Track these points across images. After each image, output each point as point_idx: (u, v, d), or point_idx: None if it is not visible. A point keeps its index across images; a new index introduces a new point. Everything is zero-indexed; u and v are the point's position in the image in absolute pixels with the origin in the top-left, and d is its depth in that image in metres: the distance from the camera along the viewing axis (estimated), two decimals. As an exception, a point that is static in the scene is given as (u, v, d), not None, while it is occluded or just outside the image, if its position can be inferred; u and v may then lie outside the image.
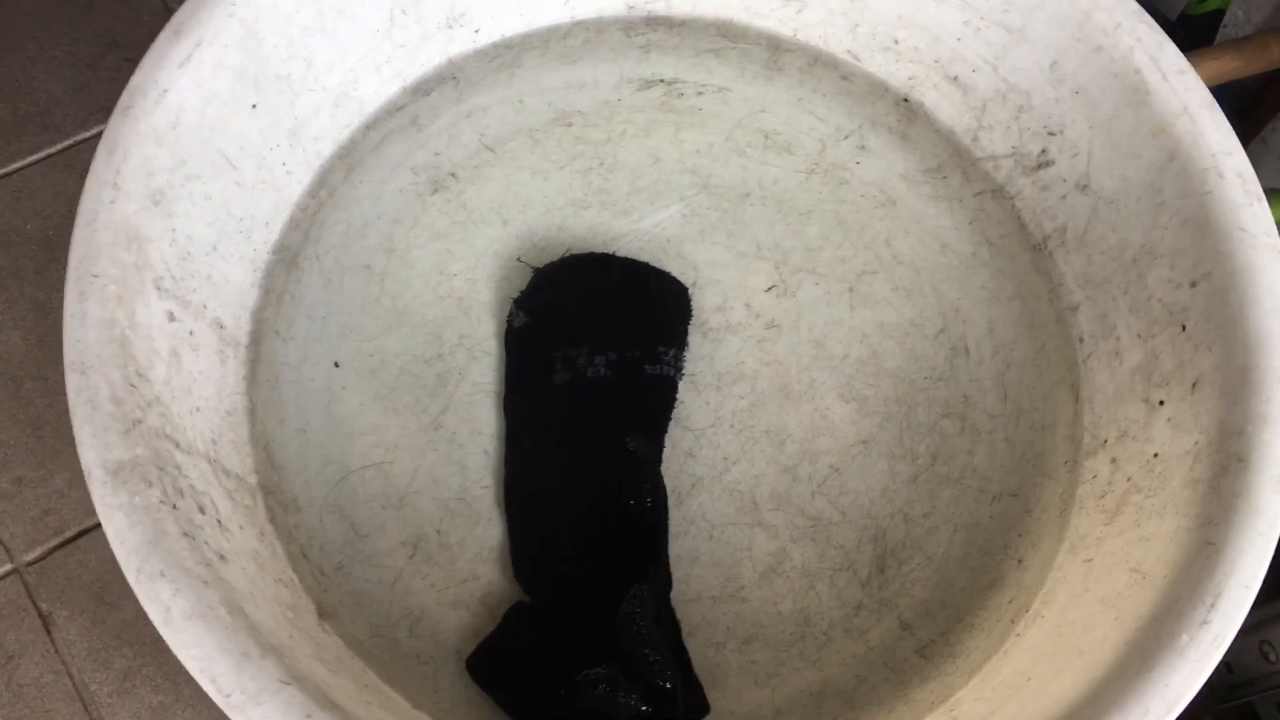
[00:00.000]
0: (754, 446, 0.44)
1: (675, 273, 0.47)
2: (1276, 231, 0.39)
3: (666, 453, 0.44)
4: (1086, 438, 0.44)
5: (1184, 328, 0.40)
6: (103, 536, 0.37)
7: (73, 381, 0.34)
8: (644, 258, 0.47)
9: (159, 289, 0.38)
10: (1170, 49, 0.42)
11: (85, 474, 0.33)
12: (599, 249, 0.47)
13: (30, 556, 0.58)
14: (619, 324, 0.45)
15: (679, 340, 0.46)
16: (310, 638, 0.37)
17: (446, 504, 0.43)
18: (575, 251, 0.47)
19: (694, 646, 0.41)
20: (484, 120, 0.50)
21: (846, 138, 0.50)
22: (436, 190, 0.48)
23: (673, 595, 0.42)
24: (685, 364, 0.46)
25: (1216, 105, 0.41)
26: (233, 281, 0.43)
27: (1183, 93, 0.41)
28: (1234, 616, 0.33)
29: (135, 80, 0.39)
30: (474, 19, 0.48)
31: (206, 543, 0.34)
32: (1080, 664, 0.35)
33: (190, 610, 0.31)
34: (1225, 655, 0.33)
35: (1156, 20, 0.43)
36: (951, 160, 0.49)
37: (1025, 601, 0.41)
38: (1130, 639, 0.34)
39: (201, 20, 0.40)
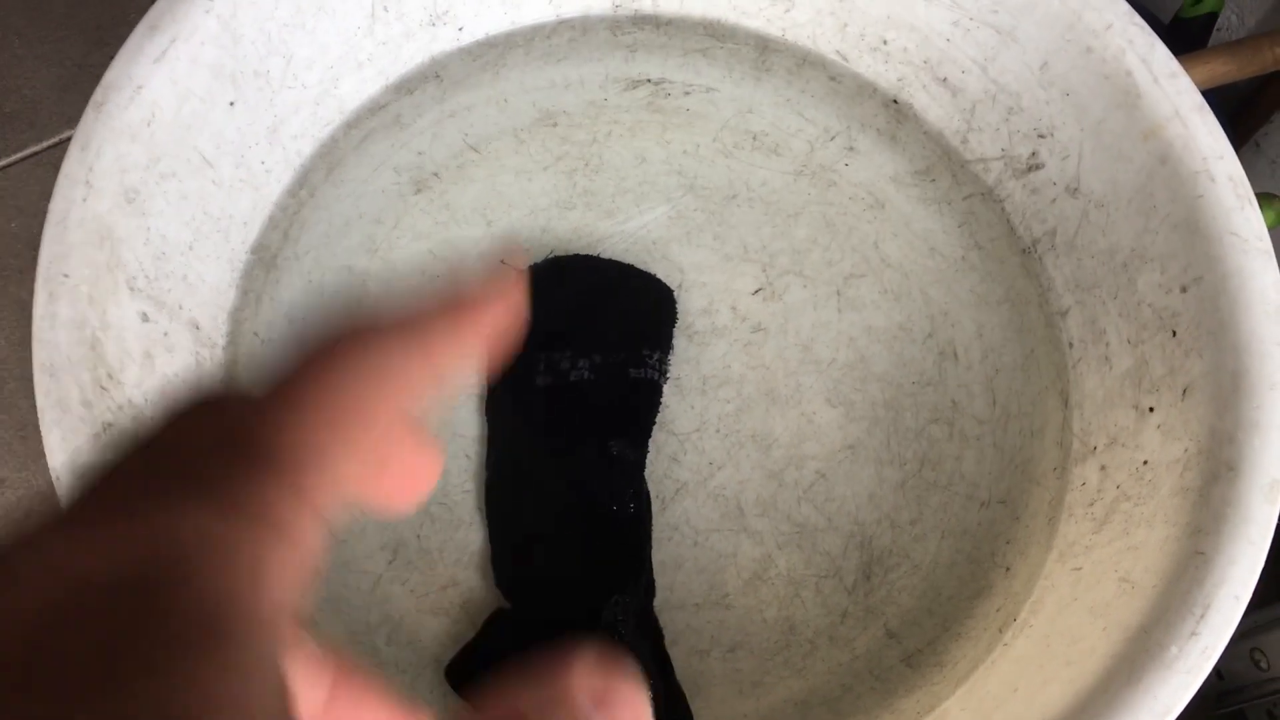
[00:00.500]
0: (739, 451, 0.44)
1: (661, 275, 0.46)
2: (1268, 236, 0.39)
3: (650, 457, 0.43)
4: (1076, 444, 0.43)
5: (1174, 333, 0.39)
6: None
7: (41, 383, 0.34)
8: (629, 260, 0.46)
9: (132, 289, 0.38)
10: (1162, 51, 0.41)
11: (53, 478, 0.33)
12: (584, 251, 0.47)
13: (8, 559, 0.57)
14: (603, 327, 0.44)
15: (664, 343, 0.45)
16: (284, 645, 0.36)
17: (426, 508, 0.42)
18: (560, 253, 0.46)
19: (677, 655, 0.40)
20: (468, 119, 0.49)
21: (835, 139, 0.49)
22: (419, 190, 0.48)
23: (656, 602, 0.41)
24: (670, 367, 0.45)
25: (1208, 108, 0.41)
26: (209, 282, 0.42)
27: (1174, 96, 0.41)
28: (1223, 628, 0.33)
29: (109, 76, 0.39)
30: (457, 16, 0.48)
31: (177, 549, 0.33)
32: (1068, 675, 0.35)
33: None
34: (1216, 662, 0.33)
35: (1149, 23, 0.42)
36: (941, 162, 0.49)
37: (1013, 610, 0.41)
38: (1118, 650, 0.34)
39: (178, 15, 0.40)
